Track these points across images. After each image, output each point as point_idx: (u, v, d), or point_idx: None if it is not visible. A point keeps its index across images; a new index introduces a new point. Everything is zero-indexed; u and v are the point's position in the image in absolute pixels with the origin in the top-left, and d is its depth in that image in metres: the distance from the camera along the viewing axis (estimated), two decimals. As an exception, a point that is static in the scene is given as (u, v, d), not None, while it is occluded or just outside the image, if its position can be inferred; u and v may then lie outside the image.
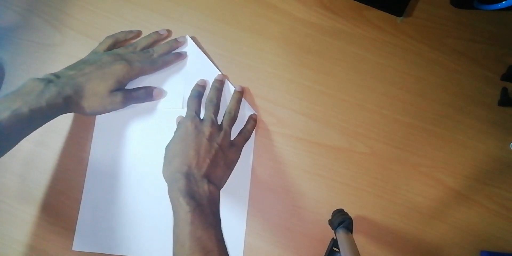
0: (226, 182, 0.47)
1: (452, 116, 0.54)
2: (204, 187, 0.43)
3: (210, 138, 0.46)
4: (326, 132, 0.53)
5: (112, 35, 0.54)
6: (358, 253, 0.39)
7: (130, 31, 0.55)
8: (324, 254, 0.46)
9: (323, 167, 0.53)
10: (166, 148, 0.48)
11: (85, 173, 0.53)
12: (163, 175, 0.46)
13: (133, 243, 0.52)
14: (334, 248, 0.44)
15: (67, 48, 0.55)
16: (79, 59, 0.51)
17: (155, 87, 0.54)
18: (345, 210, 0.48)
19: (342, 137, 0.53)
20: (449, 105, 0.54)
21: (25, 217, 0.53)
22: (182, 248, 0.39)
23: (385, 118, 0.54)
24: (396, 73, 0.54)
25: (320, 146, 0.53)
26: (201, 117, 0.49)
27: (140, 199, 0.53)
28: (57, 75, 0.47)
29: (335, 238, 0.44)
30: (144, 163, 0.53)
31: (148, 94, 0.53)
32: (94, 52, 0.52)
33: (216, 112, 0.50)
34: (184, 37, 0.55)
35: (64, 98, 0.45)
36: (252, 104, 0.54)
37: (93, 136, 0.54)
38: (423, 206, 0.52)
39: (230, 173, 0.48)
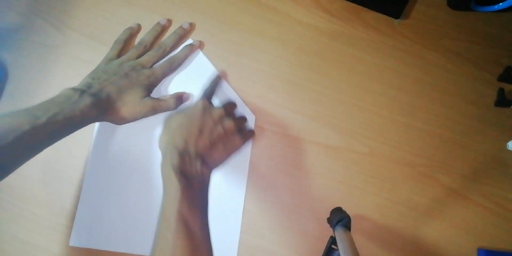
0: (222, 181, 0.47)
1: (449, 116, 0.54)
2: (197, 166, 0.42)
3: (217, 121, 0.46)
4: (325, 132, 0.54)
5: (119, 39, 0.54)
6: (357, 250, 0.39)
7: (130, 28, 0.55)
8: (322, 252, 0.46)
9: (322, 166, 0.53)
10: (169, 117, 0.47)
11: (85, 170, 0.53)
12: (159, 145, 0.45)
13: (130, 240, 0.52)
14: (333, 246, 0.45)
15: (69, 49, 0.56)
16: (81, 60, 0.51)
17: (182, 93, 0.54)
18: (344, 209, 0.49)
19: (340, 137, 0.54)
20: (446, 106, 0.54)
21: (23, 214, 0.53)
22: (167, 224, 0.38)
23: (383, 118, 0.54)
24: (394, 74, 0.55)
25: (319, 146, 0.54)
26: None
27: (139, 196, 0.53)
28: (88, 85, 0.48)
29: (333, 236, 0.44)
30: (143, 161, 0.54)
31: (178, 102, 0.53)
32: (108, 59, 0.52)
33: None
34: (188, 23, 0.55)
35: (98, 108, 0.46)
36: (252, 104, 0.54)
37: (95, 133, 0.54)
38: (421, 205, 0.53)
39: (228, 158, 0.48)
